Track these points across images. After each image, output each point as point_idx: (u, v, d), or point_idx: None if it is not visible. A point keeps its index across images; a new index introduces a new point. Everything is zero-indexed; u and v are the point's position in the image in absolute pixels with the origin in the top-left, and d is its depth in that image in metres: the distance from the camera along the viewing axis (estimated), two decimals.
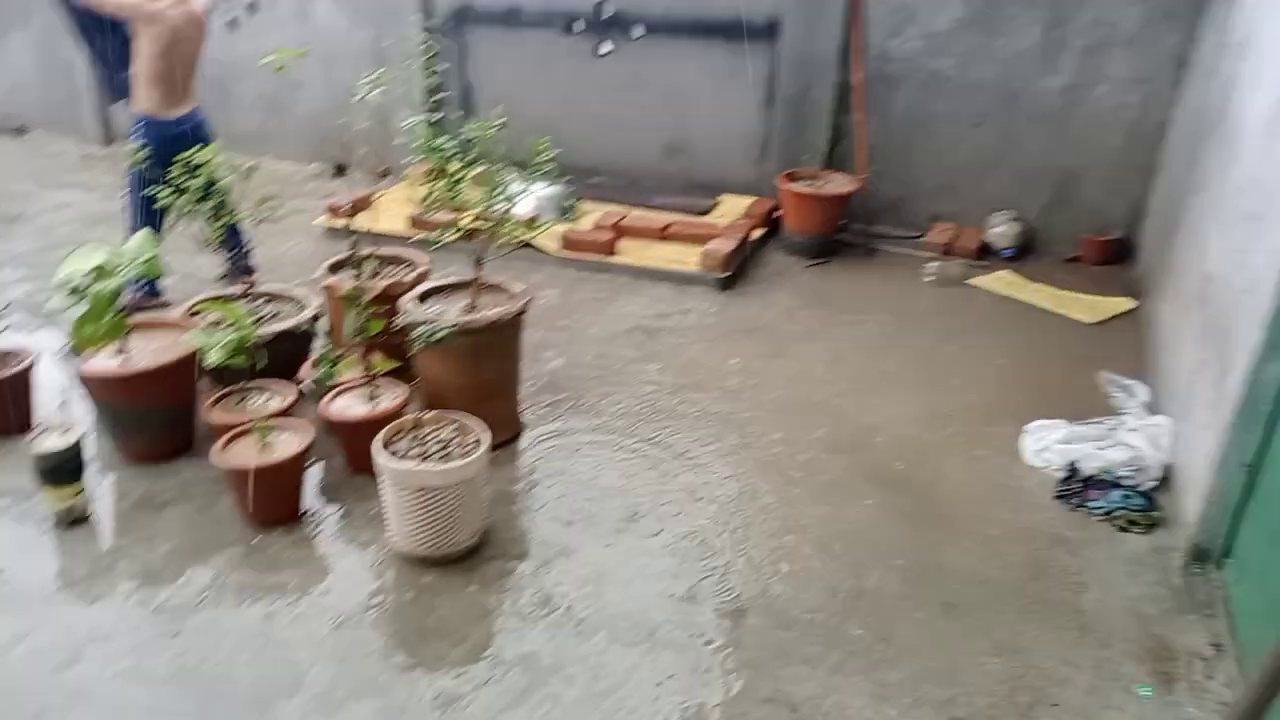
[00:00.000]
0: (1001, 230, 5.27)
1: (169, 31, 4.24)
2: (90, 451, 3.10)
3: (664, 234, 5.29)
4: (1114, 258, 5.19)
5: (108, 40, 4.42)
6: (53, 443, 2.93)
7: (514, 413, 3.59)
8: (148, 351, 3.34)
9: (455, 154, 3.30)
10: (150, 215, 4.15)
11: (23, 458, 3.21)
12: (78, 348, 3.28)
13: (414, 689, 2.38)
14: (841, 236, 5.49)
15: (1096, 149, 5.19)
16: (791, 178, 5.37)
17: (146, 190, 3.93)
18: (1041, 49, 5.15)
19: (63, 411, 3.07)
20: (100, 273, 3.24)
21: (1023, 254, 5.30)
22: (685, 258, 5.04)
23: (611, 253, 5.12)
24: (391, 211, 5.55)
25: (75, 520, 2.97)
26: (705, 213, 5.66)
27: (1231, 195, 3.26)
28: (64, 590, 2.71)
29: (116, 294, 3.24)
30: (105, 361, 3.28)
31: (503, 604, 2.68)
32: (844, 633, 2.62)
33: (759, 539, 2.98)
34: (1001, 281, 5.00)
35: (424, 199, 3.35)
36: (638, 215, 5.51)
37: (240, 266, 4.50)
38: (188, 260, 4.50)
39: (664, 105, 6.13)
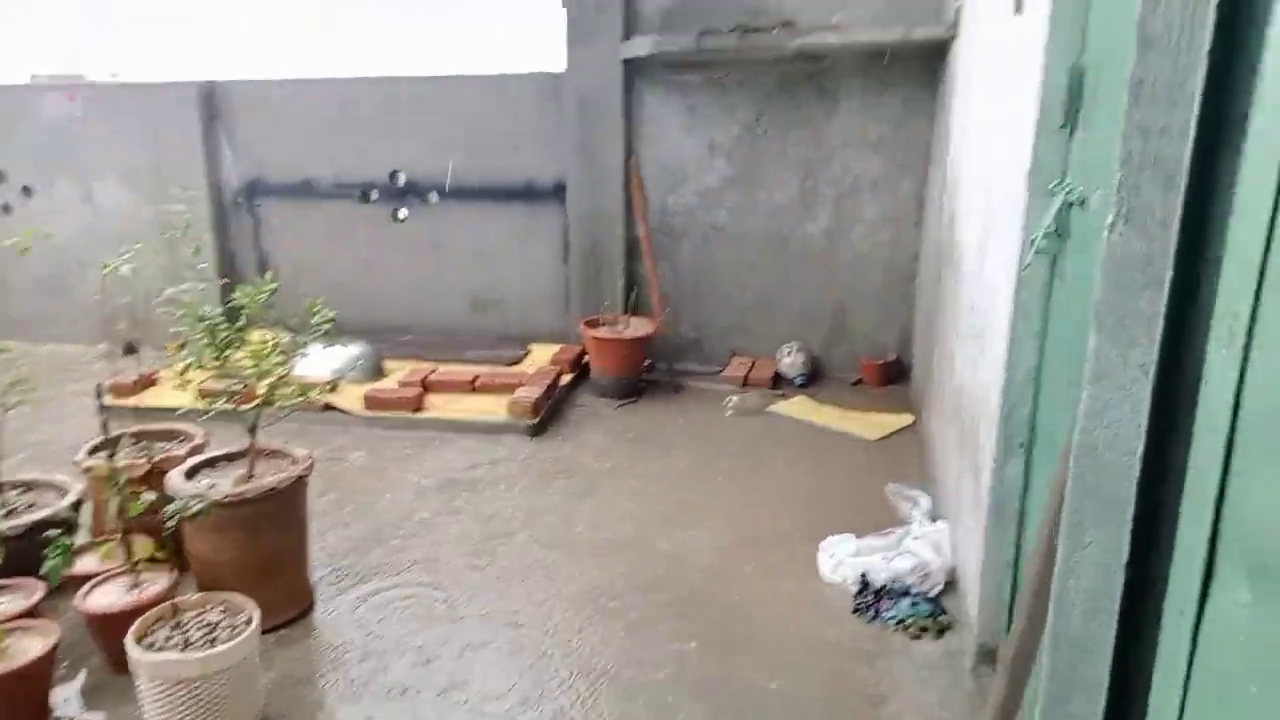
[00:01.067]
0: (790, 360, 5.64)
1: None
2: None
3: (473, 386, 5.32)
4: (892, 378, 5.64)
5: None
6: None
7: (303, 586, 3.38)
8: None
9: (220, 321, 3.23)
10: None
11: None
12: None
13: None
14: (648, 376, 5.70)
15: (862, 282, 5.73)
16: (593, 324, 5.57)
17: None
18: (800, 199, 5.71)
19: None
20: None
21: (812, 380, 5.67)
22: (495, 408, 5.06)
23: (419, 409, 5.07)
24: (175, 386, 5.28)
25: None
26: (516, 362, 5.75)
27: (963, 314, 3.66)
28: None
29: None
30: None
31: None
32: None
33: (568, 689, 2.87)
34: (795, 406, 5.31)
35: (183, 369, 3.23)
36: (446, 370, 5.52)
37: None
38: None
39: (468, 263, 6.30)
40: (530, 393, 5.00)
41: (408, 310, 6.41)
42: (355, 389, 5.16)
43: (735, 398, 5.32)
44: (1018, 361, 2.70)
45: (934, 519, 3.80)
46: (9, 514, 3.36)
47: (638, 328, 5.60)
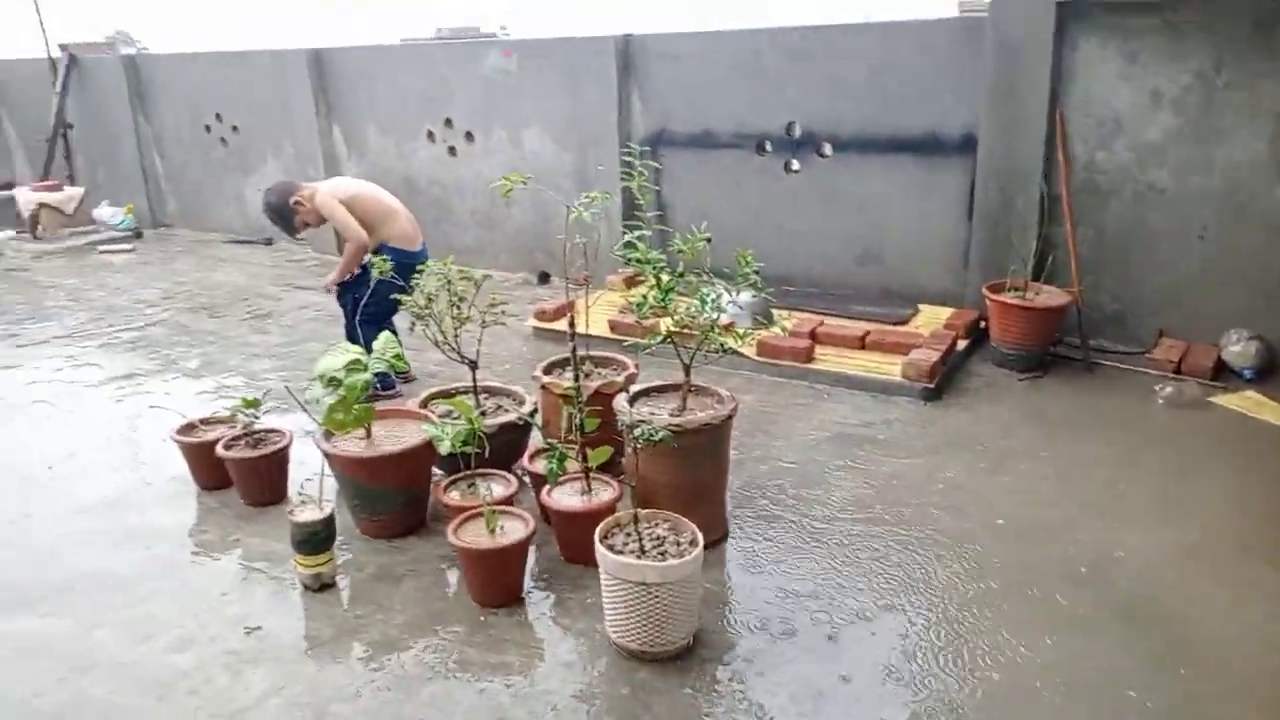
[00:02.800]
0: (1239, 349, 4.90)
1: (368, 199, 4.90)
2: (337, 525, 3.36)
3: (863, 343, 5.28)
4: None
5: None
6: (307, 515, 3.21)
7: (721, 516, 3.62)
8: (391, 436, 3.65)
9: (664, 266, 3.47)
10: (374, 324, 4.63)
11: (278, 526, 3.54)
12: (328, 431, 3.62)
13: None
14: (1057, 350, 5.28)
15: None
16: (997, 289, 5.25)
17: (377, 308, 4.60)
18: (1271, 159, 4.87)
19: (315, 488, 3.37)
20: (354, 366, 3.60)
21: (1266, 375, 4.89)
22: (887, 366, 4.99)
23: (809, 360, 5.15)
24: (593, 317, 5.86)
25: (323, 586, 3.23)
26: (904, 322, 5.61)
27: None
28: (313, 650, 2.92)
29: (366, 386, 3.58)
30: (352, 445, 3.60)
31: (715, 711, 2.64)
32: None
33: (986, 674, 2.78)
34: (1249, 403, 4.61)
35: (638, 306, 3.52)
36: (835, 323, 5.54)
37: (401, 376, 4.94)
38: (418, 357, 4.92)
39: (857, 217, 6.22)
40: (927, 355, 4.86)
41: (793, 261, 6.50)
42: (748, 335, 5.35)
43: (1170, 387, 4.73)
44: None
45: None
46: (483, 415, 3.94)
47: (1050, 296, 5.18)
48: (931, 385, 4.77)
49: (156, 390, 5.26)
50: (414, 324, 3.92)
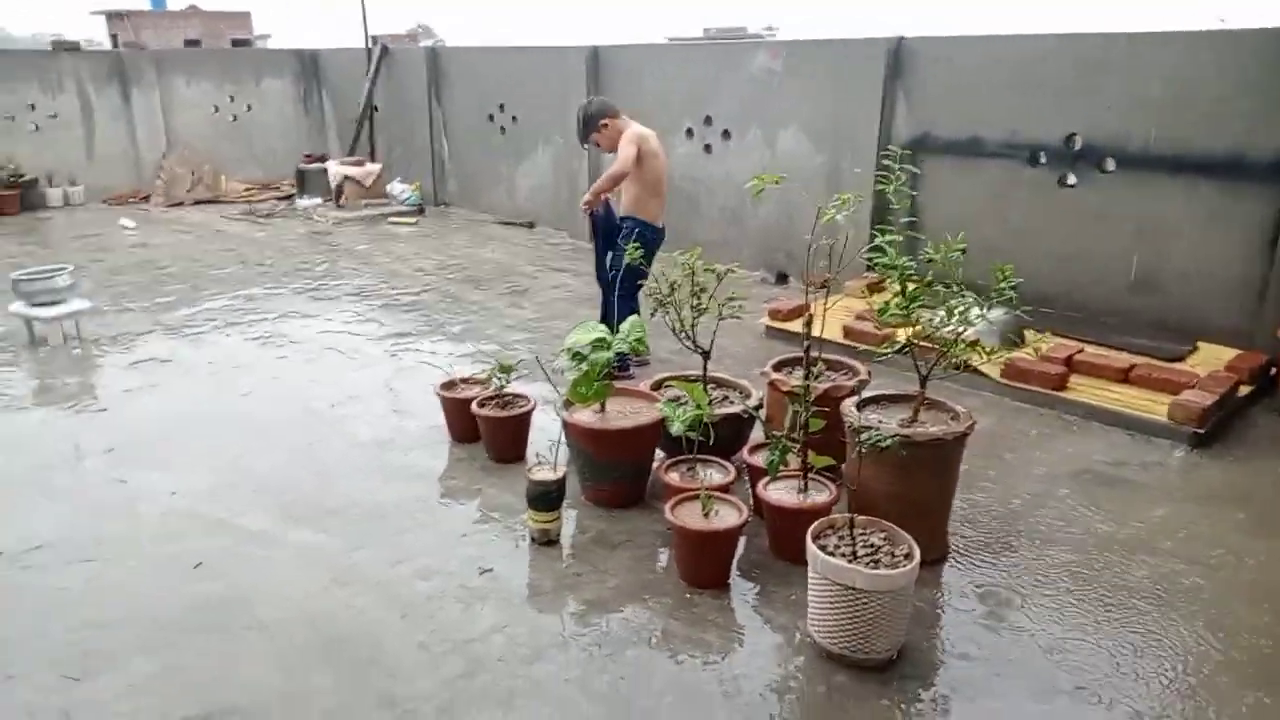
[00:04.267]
0: None
1: (653, 152, 5.17)
2: (567, 488, 3.61)
3: (1127, 376, 4.84)
4: None
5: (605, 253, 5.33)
6: (543, 475, 3.48)
7: (942, 534, 3.49)
8: (622, 413, 3.86)
9: (913, 273, 3.38)
10: (633, 300, 4.89)
11: (516, 481, 3.85)
12: (569, 402, 3.88)
13: None
14: None
15: None
16: None
17: (629, 281, 4.91)
18: None
19: (552, 451, 3.63)
20: (599, 344, 3.84)
21: None
22: (1150, 405, 4.55)
23: (1061, 388, 4.80)
24: (828, 321, 5.79)
25: (548, 541, 3.49)
26: (1179, 359, 5.08)
27: None
28: (535, 598, 3.18)
29: (609, 363, 3.80)
30: (589, 416, 3.84)
31: None
32: None
33: None
34: None
35: (881, 311, 3.46)
36: (1094, 352, 5.12)
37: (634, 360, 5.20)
38: (654, 344, 5.13)
39: (1134, 241, 5.70)
40: (1200, 397, 4.38)
41: (1056, 282, 6.05)
42: (997, 356, 5.08)
43: None
44: None
45: None
46: (709, 404, 4.05)
47: None
48: (1202, 431, 4.29)
49: (424, 349, 5.86)
50: (655, 310, 4.11)
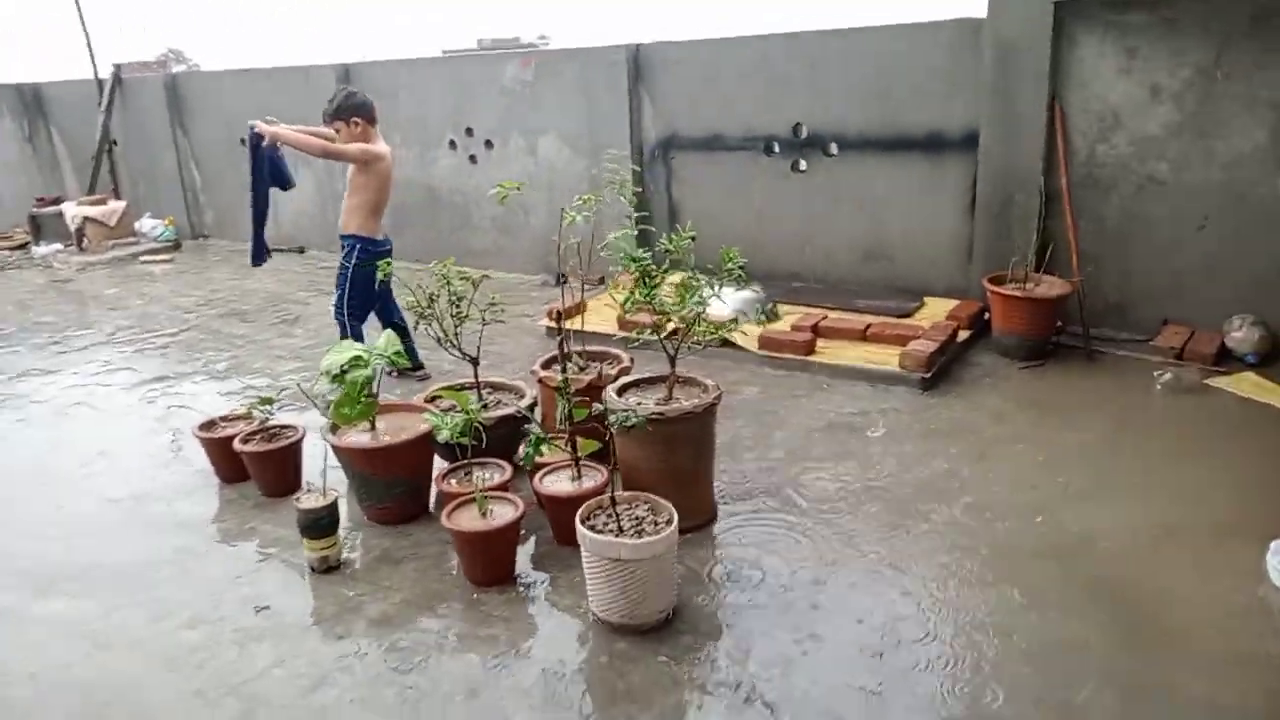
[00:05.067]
0: (1241, 335, 4.92)
1: (388, 170, 5.12)
2: (342, 512, 3.56)
3: (865, 335, 5.38)
4: None
5: (265, 207, 5.27)
6: (313, 502, 3.41)
7: (707, 500, 3.75)
8: (393, 430, 3.85)
9: (651, 263, 3.63)
10: (358, 318, 5.07)
11: (291, 513, 3.75)
12: (334, 425, 3.83)
13: None
14: (1057, 339, 5.32)
15: None
16: (998, 281, 5.32)
17: (355, 301, 5.04)
18: (1270, 150, 4.89)
19: (322, 477, 3.57)
20: (356, 362, 3.80)
21: (1268, 360, 4.90)
22: (886, 358, 5.08)
23: (810, 352, 5.26)
24: (601, 314, 6.02)
25: (329, 568, 3.43)
26: (908, 315, 5.69)
27: None
28: (317, 626, 3.12)
29: (369, 381, 3.78)
30: (358, 437, 3.80)
31: (691, 677, 2.78)
32: None
33: (958, 643, 2.90)
34: (1246, 383, 4.65)
35: (624, 302, 3.68)
36: (838, 316, 5.64)
37: (414, 364, 5.35)
38: (433, 356, 5.12)
39: (863, 214, 6.32)
40: (924, 345, 4.95)
41: (799, 259, 6.61)
42: (751, 329, 5.48)
43: (1169, 374, 4.76)
44: None
45: None
46: (484, 407, 4.12)
47: (1049, 287, 5.24)
48: (928, 375, 4.86)
49: (186, 391, 5.53)
50: (418, 323, 4.12)
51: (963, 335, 5.39)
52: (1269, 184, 4.93)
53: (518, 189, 3.75)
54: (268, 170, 5.19)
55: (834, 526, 3.60)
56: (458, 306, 4.14)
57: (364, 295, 5.07)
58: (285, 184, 5.30)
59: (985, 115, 5.58)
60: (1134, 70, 5.17)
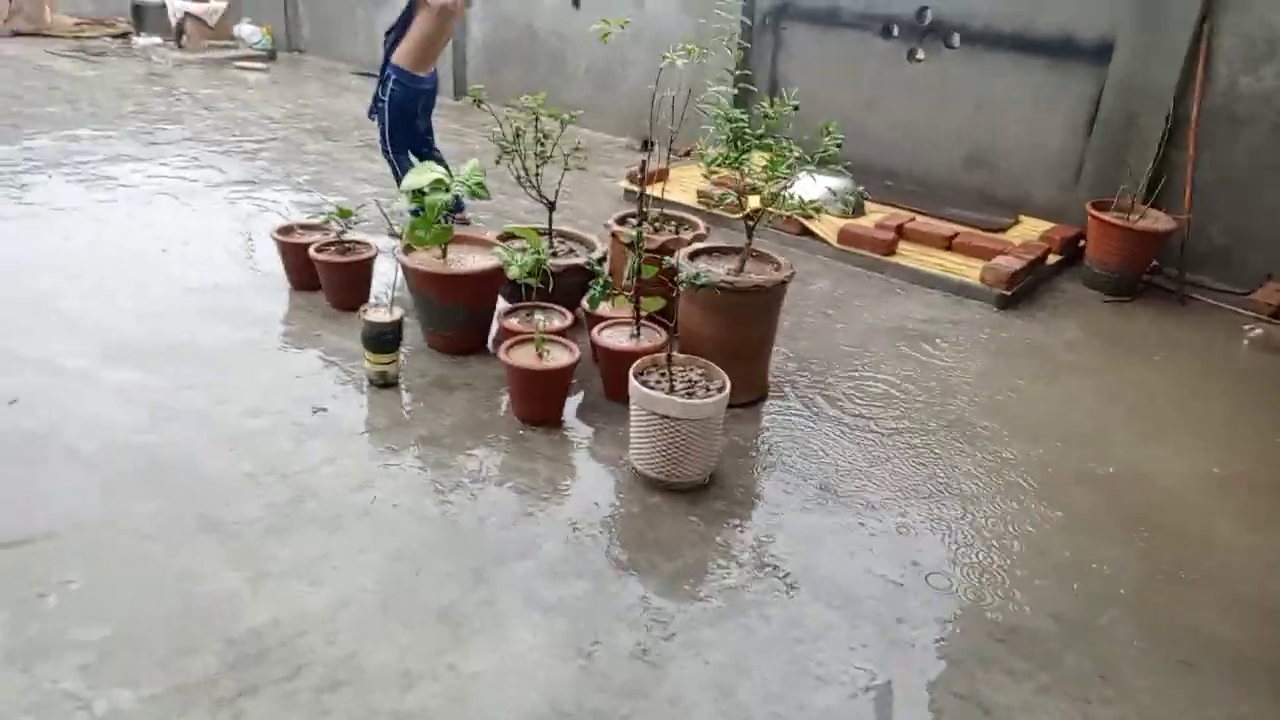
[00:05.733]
0: None
1: (451, 16, 4.93)
2: (405, 333, 3.63)
3: (949, 244, 5.18)
4: None
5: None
6: (379, 316, 3.48)
7: (763, 377, 3.73)
8: (463, 259, 3.87)
9: (746, 128, 3.48)
10: (401, 151, 4.96)
11: (357, 328, 3.84)
12: (410, 246, 3.86)
13: (625, 584, 2.61)
14: (1151, 278, 5.07)
15: None
16: (1101, 207, 5.04)
17: (396, 135, 5.00)
18: None
19: (390, 297, 3.63)
20: (437, 186, 3.79)
21: None
22: (968, 270, 4.90)
23: (890, 253, 5.09)
24: (685, 185, 5.90)
25: (386, 384, 3.53)
26: (1002, 230, 5.45)
27: None
28: (369, 434, 3.24)
29: (449, 206, 3.78)
30: (428, 260, 3.83)
31: (717, 539, 2.84)
32: (1060, 659, 2.50)
33: (990, 550, 2.89)
34: None
35: (710, 162, 3.57)
36: (924, 221, 5.43)
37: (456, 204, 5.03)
38: (509, 203, 5.09)
39: (972, 117, 5.97)
40: (1010, 262, 4.75)
41: (898, 154, 6.32)
42: (833, 221, 5.32)
43: (1260, 329, 4.52)
44: None
45: None
46: (554, 254, 4.11)
47: (1154, 220, 4.94)
48: (1009, 293, 4.68)
49: (267, 198, 5.62)
50: (499, 158, 4.07)
51: (1053, 259, 5.16)
52: None
53: (621, 27, 3.59)
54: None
55: (884, 427, 3.57)
56: (542, 145, 4.08)
57: (406, 130, 5.03)
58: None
59: (1126, 23, 5.15)
60: None
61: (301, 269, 4.22)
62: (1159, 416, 3.79)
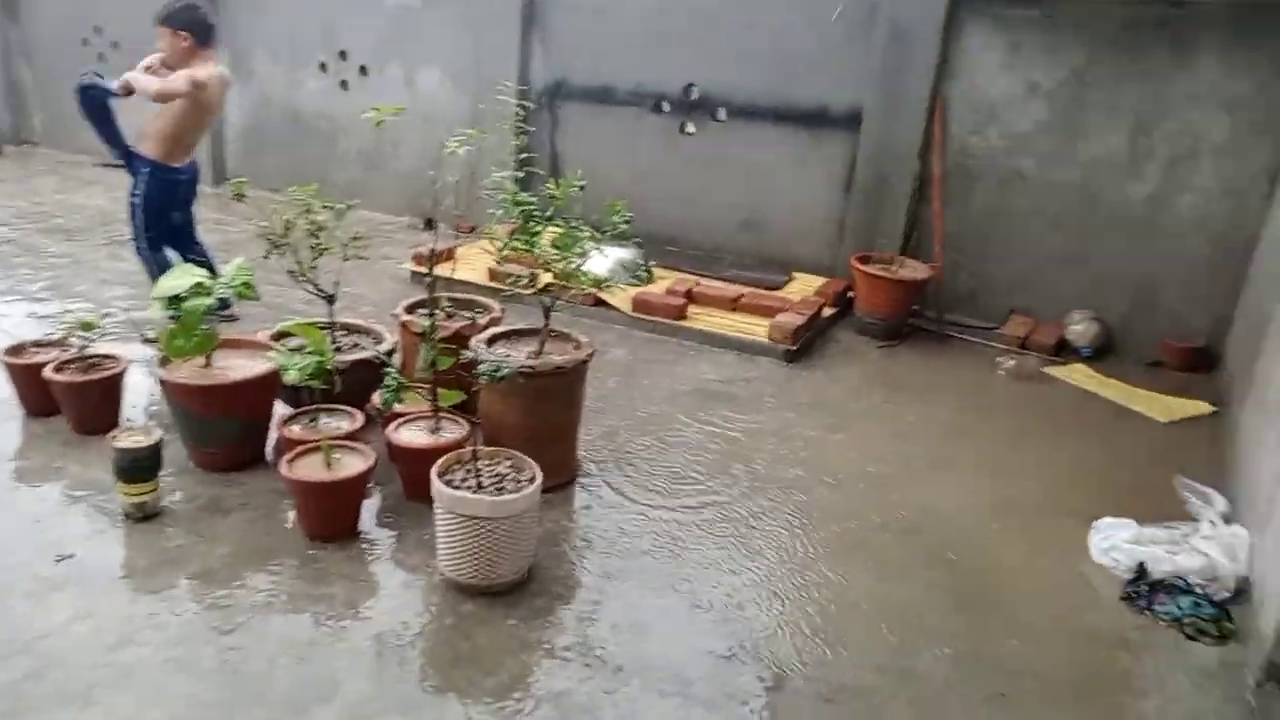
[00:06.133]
0: (1080, 329, 5.20)
1: (212, 99, 4.67)
2: (166, 454, 3.23)
3: (735, 305, 5.37)
4: (1196, 365, 5.07)
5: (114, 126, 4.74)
6: (132, 441, 3.08)
7: (571, 459, 3.63)
8: (232, 365, 3.52)
9: (535, 210, 3.45)
10: (157, 249, 4.69)
11: (106, 453, 3.38)
12: (167, 358, 3.46)
13: (444, 713, 2.38)
14: (914, 321, 5.48)
15: (1181, 257, 5.13)
16: (865, 260, 5.42)
17: (152, 230, 4.67)
18: (1126, 156, 5.16)
19: (145, 415, 3.22)
20: (198, 290, 3.45)
21: (1101, 354, 5.22)
22: (754, 329, 5.09)
23: (682, 317, 5.20)
24: (473, 263, 5.77)
25: (146, 516, 3.10)
26: (778, 288, 5.72)
27: None
28: (127, 579, 2.81)
29: (209, 311, 3.43)
30: (190, 372, 3.45)
31: (540, 640, 2.68)
32: (888, 712, 2.53)
33: (806, 610, 2.92)
34: (1077, 374, 4.94)
35: (502, 247, 3.49)
36: (710, 284, 5.61)
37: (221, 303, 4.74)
38: (282, 294, 4.74)
39: (743, 183, 6.29)
40: (792, 319, 4.98)
41: (676, 222, 6.52)
42: (625, 291, 5.37)
43: (1012, 360, 4.99)
44: None
45: (1228, 522, 3.43)
46: (338, 350, 3.84)
47: (913, 270, 5.37)
48: (794, 348, 4.90)
49: None
50: (269, 252, 3.78)
51: (829, 312, 5.47)
52: (1119, 189, 5.21)
53: (395, 114, 3.46)
54: (100, 107, 4.67)
55: (694, 492, 3.57)
56: (317, 238, 3.83)
57: (162, 225, 4.70)
58: (111, 95, 4.66)
59: (871, 95, 5.64)
60: (1015, 65, 5.32)
61: (36, 391, 3.68)
62: (939, 453, 4.05)
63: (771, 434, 4.11)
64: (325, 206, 3.84)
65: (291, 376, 3.34)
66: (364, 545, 3.08)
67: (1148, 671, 2.76)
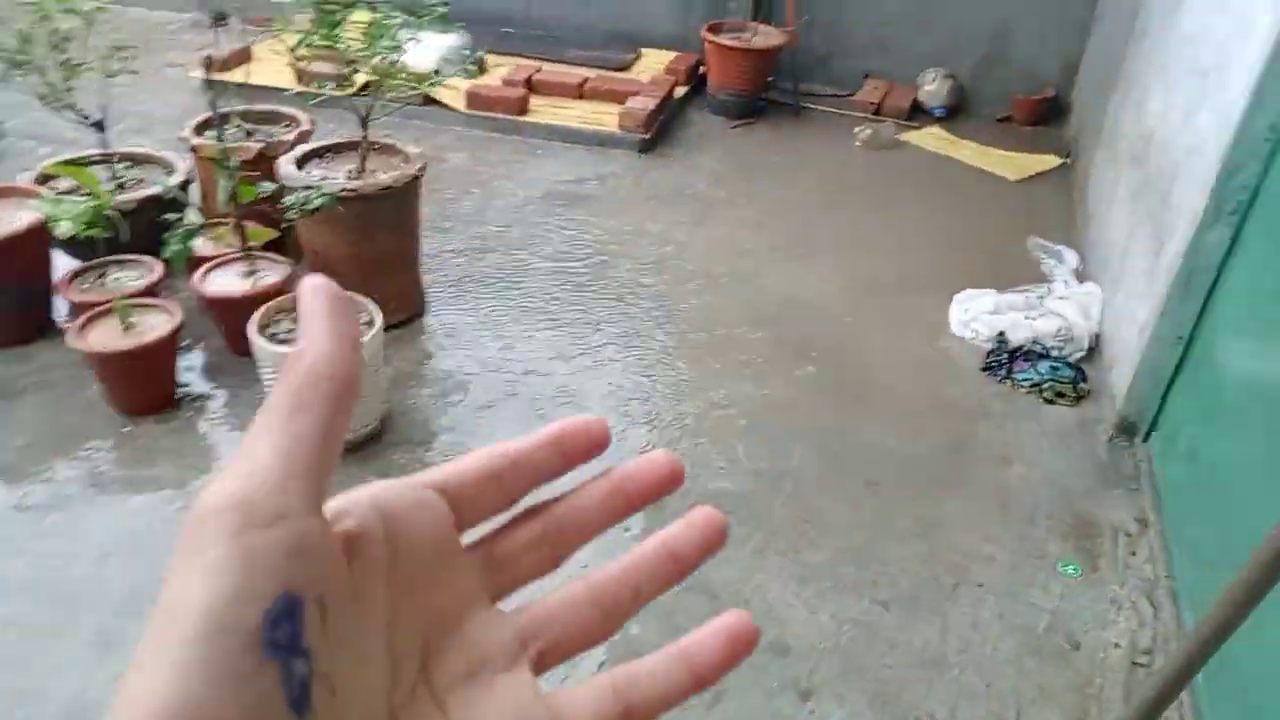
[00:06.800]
0: (933, 88, 5.05)
1: None
2: None
3: (581, 91, 4.90)
4: (1047, 117, 5.06)
5: None
6: None
7: (415, 288, 3.30)
8: None
9: None
10: None
11: None
12: None
13: None
14: (769, 95, 5.18)
15: (1034, 2, 4.95)
16: (716, 29, 4.99)
17: None
18: None
19: None
20: None
21: (954, 113, 5.12)
22: (604, 117, 4.68)
23: (523, 112, 4.72)
24: (273, 65, 5.00)
25: None
26: (625, 68, 5.26)
27: (1176, 46, 3.09)
28: None
29: None
30: None
31: None
32: (770, 515, 2.52)
33: (677, 418, 2.83)
34: (930, 139, 4.85)
35: (297, 45, 2.93)
36: (552, 70, 5.08)
37: None
38: (44, 125, 3.97)
39: None
40: (643, 103, 4.59)
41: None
42: (457, 84, 4.80)
43: (868, 129, 4.81)
44: (1261, 110, 2.26)
45: (1080, 279, 3.50)
46: (120, 187, 3.26)
47: (767, 36, 4.99)
48: (648, 136, 4.56)
49: None
50: (5, 74, 3.07)
51: (680, 91, 5.09)
52: None
53: None
54: None
55: (554, 306, 3.34)
56: (64, 51, 3.13)
57: None
58: None
59: None
60: None
61: None
62: (801, 236, 3.93)
63: (633, 233, 3.86)
64: (70, 11, 3.11)
65: (64, 228, 2.80)
66: (189, 414, 2.74)
67: (1010, 440, 2.85)
